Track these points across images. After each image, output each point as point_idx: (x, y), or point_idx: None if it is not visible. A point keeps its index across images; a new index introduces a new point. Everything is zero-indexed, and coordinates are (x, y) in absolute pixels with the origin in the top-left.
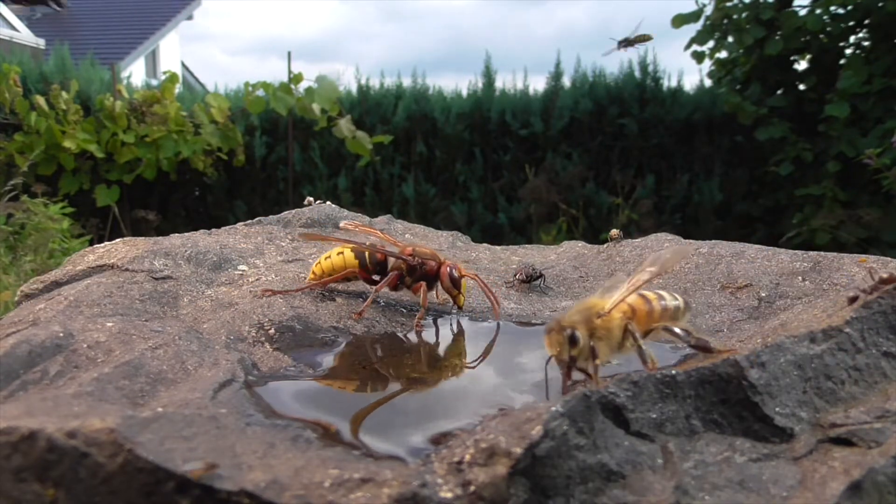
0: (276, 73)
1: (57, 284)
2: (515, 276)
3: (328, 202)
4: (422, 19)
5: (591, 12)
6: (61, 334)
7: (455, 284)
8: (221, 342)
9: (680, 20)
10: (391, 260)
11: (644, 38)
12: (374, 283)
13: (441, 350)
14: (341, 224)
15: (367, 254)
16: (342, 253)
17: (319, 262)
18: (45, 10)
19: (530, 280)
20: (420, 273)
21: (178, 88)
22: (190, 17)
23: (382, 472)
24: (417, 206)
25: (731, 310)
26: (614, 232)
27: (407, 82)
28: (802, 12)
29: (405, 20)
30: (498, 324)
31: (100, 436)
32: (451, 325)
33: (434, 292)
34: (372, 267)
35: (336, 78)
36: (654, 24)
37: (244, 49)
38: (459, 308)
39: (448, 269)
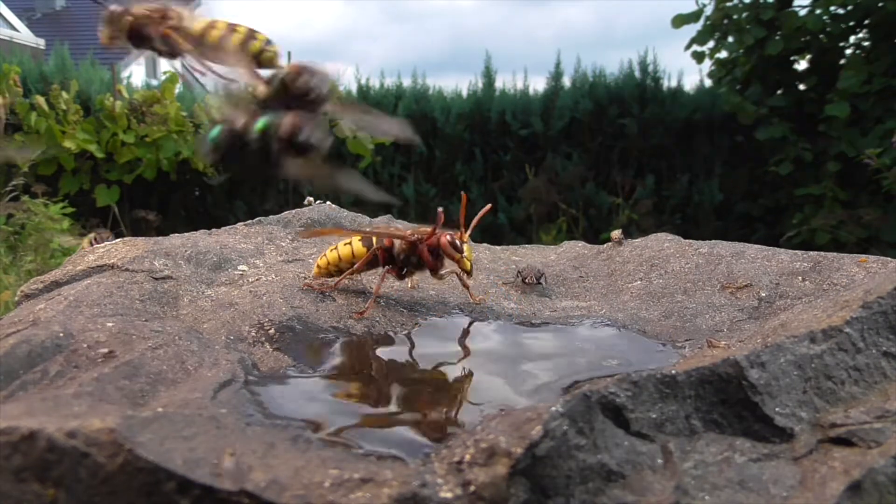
0: None
1: (57, 284)
2: (525, 279)
3: (328, 202)
4: (425, 20)
5: (592, 13)
6: (61, 334)
7: (456, 248)
8: (221, 342)
9: (680, 20)
10: (397, 244)
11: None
12: (394, 264)
13: (441, 350)
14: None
15: (374, 240)
16: (349, 244)
17: (325, 255)
18: (45, 10)
19: (537, 281)
20: (421, 248)
21: (178, 88)
22: None
23: (382, 472)
24: (418, 207)
25: (731, 310)
26: (615, 233)
27: (407, 82)
28: (802, 12)
29: (409, 21)
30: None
31: (100, 436)
32: (451, 325)
33: (408, 281)
34: (381, 254)
35: (336, 78)
36: (654, 24)
37: None
38: (467, 273)
39: (447, 237)
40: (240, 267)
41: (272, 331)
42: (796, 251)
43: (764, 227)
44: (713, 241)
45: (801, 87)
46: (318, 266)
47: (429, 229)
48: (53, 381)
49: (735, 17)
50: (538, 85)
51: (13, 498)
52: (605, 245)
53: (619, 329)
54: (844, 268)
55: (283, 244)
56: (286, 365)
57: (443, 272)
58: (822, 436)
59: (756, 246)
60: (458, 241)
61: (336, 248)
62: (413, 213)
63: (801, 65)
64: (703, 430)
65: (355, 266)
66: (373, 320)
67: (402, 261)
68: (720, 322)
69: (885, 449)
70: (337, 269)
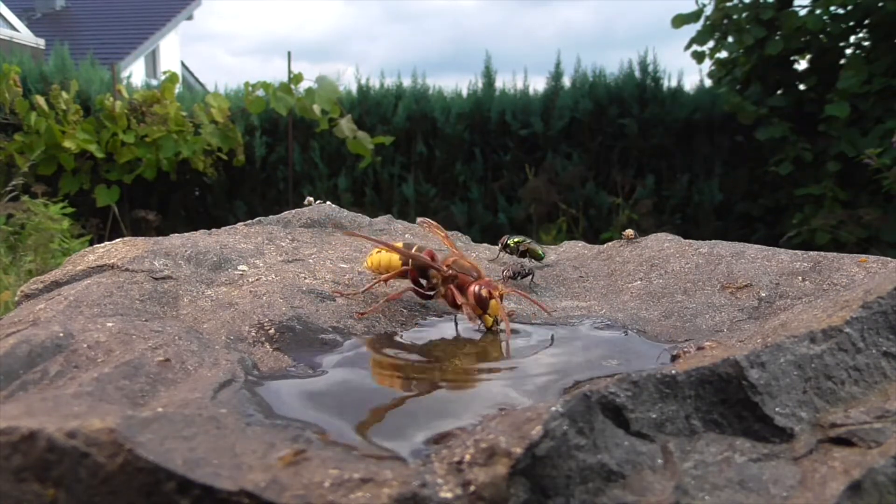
0: (280, 73)
1: (57, 284)
2: (504, 271)
3: (328, 202)
4: (426, 19)
5: (592, 13)
6: (61, 334)
7: (481, 304)
8: (221, 342)
9: (680, 20)
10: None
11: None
12: (419, 285)
13: (441, 350)
14: (419, 220)
15: (409, 259)
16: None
17: (371, 255)
18: (45, 10)
19: (517, 276)
20: (449, 286)
21: (178, 88)
22: (190, 18)
23: (382, 472)
24: (417, 207)
25: (732, 310)
26: (629, 232)
27: (407, 82)
28: (802, 12)
29: (410, 20)
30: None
31: (100, 436)
32: (451, 325)
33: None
34: (412, 274)
35: (336, 78)
36: (654, 24)
37: (249, 50)
38: (487, 329)
39: (477, 288)
40: (240, 267)
41: (272, 331)
42: (796, 251)
43: (764, 227)
44: (713, 241)
45: (801, 87)
46: (367, 263)
47: (468, 264)
48: (53, 381)
49: (735, 17)
50: (538, 85)
51: (13, 498)
52: (614, 242)
53: (619, 329)
54: (844, 268)
55: (283, 244)
56: (286, 365)
57: (465, 314)
58: (822, 436)
59: (756, 246)
60: (486, 296)
61: (381, 251)
62: (413, 214)
63: (801, 65)
64: (703, 430)
65: (382, 276)
66: (373, 320)
67: (432, 285)
68: (720, 322)
69: (885, 449)
70: (377, 272)
